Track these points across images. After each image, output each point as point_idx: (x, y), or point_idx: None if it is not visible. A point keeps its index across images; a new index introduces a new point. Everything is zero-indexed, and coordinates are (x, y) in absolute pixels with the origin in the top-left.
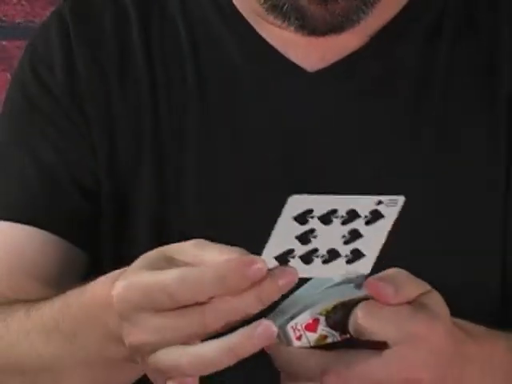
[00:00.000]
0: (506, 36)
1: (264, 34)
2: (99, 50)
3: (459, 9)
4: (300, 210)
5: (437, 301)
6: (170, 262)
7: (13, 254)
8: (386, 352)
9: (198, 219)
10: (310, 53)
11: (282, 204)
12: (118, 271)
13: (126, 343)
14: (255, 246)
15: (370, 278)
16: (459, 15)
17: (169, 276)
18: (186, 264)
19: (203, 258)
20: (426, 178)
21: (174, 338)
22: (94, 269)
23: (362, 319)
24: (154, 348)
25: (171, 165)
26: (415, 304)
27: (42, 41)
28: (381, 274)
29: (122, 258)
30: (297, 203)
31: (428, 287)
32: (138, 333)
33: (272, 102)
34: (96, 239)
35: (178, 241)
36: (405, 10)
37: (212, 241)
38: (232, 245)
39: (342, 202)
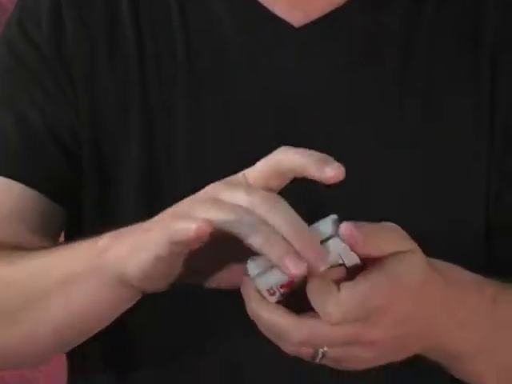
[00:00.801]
0: (491, 9)
1: None
2: (88, 15)
3: None
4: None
5: (410, 266)
6: None
7: None
8: None
9: (188, 189)
10: (295, 8)
11: None
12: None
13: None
14: None
15: (346, 222)
16: None
17: None
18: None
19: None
20: (412, 147)
21: None
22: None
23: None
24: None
25: (160, 134)
26: (385, 265)
27: None
28: (367, 223)
29: (104, 221)
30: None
31: (410, 247)
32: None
33: (261, 70)
34: (75, 199)
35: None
36: None
37: None
38: None
39: None
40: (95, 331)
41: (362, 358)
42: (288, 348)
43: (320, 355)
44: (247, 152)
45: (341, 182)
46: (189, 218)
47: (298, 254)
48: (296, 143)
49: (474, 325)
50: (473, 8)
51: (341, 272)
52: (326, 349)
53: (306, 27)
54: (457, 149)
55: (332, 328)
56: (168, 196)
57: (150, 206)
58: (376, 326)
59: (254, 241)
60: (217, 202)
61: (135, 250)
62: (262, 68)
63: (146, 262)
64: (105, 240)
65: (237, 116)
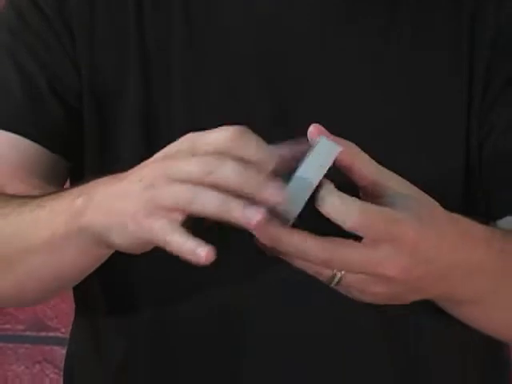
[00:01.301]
0: None
1: None
2: None
3: None
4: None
5: (437, 212)
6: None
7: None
8: (370, 245)
9: (184, 129)
10: None
11: (258, 100)
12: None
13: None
14: None
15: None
16: None
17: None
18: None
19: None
20: (398, 83)
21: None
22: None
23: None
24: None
25: (158, 79)
26: (413, 205)
27: None
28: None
29: (104, 169)
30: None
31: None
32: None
33: (254, 22)
34: (77, 151)
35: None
36: None
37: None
38: None
39: None
40: (79, 281)
41: (377, 293)
42: (310, 268)
43: (337, 279)
44: (237, 94)
45: (330, 113)
46: (156, 220)
47: (250, 204)
48: (284, 86)
49: (482, 273)
50: None
51: None
52: (343, 273)
53: None
54: (436, 89)
55: (353, 250)
56: (165, 136)
57: (148, 148)
58: (397, 260)
59: (211, 212)
60: (170, 184)
61: (112, 226)
62: (255, 19)
63: (124, 241)
64: (79, 202)
65: (229, 63)
